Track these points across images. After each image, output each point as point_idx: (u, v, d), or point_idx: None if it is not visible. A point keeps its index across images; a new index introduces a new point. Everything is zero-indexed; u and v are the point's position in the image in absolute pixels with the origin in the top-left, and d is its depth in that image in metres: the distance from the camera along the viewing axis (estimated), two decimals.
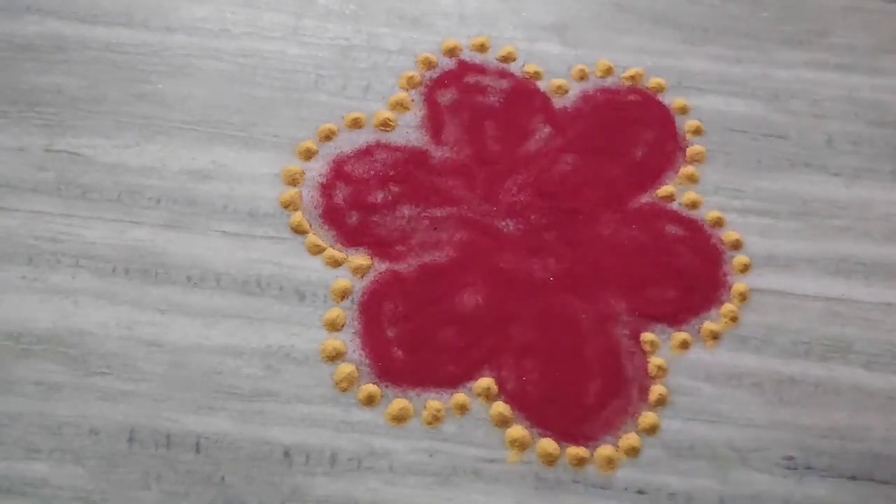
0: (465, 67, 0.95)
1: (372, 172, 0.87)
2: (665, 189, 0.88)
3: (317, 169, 0.86)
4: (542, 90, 0.94)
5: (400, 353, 0.77)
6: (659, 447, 0.74)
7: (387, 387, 0.75)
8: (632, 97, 0.94)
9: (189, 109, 0.89)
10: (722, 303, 0.82)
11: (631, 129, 0.92)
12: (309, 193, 0.85)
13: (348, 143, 0.88)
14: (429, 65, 0.95)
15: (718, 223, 0.87)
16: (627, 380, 0.77)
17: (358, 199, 0.85)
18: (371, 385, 0.75)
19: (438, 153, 0.88)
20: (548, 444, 0.73)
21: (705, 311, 0.82)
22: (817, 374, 0.79)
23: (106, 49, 0.92)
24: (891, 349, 0.81)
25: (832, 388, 0.78)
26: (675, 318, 0.81)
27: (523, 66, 0.96)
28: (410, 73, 0.93)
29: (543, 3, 1.01)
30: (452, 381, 0.76)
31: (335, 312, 0.78)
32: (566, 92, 0.94)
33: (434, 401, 0.75)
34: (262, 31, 0.95)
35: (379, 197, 0.85)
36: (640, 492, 0.72)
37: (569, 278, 0.82)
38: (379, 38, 0.96)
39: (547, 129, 0.88)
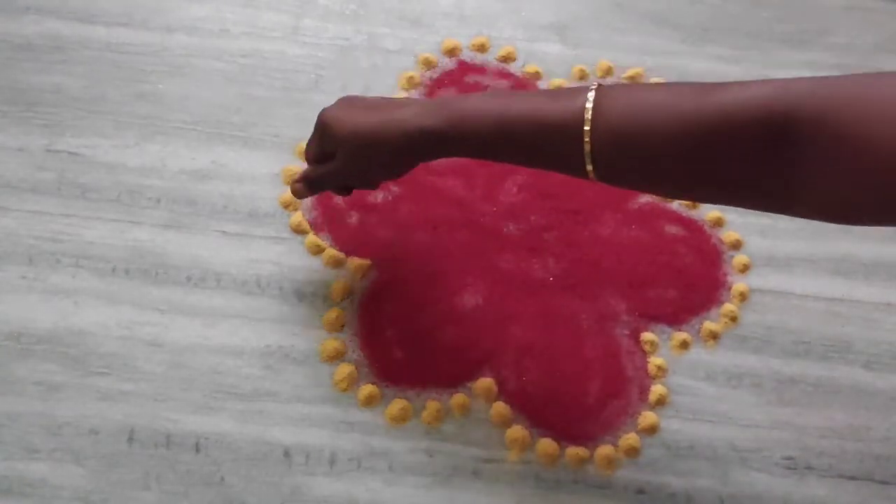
0: (465, 67, 0.95)
1: None
2: None
3: None
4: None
5: (400, 353, 0.77)
6: (659, 447, 0.74)
7: (387, 387, 0.75)
8: None
9: (189, 109, 0.89)
10: (722, 303, 0.82)
11: None
12: None
13: None
14: (429, 65, 0.95)
15: (718, 223, 0.86)
16: (627, 380, 0.77)
17: (358, 199, 0.85)
18: (371, 385, 0.75)
19: None
20: (548, 444, 0.73)
21: (705, 311, 0.82)
22: (817, 374, 0.79)
23: (106, 49, 0.92)
24: (891, 349, 0.81)
25: (832, 388, 0.78)
26: (675, 318, 0.81)
27: (523, 66, 0.96)
28: (410, 73, 0.93)
29: (543, 3, 1.01)
30: (452, 381, 0.76)
31: (335, 312, 0.78)
32: None
33: (434, 401, 0.75)
34: (262, 31, 0.95)
35: (379, 197, 0.85)
36: (640, 492, 0.72)
37: (569, 278, 0.82)
38: (379, 38, 0.96)
39: None
